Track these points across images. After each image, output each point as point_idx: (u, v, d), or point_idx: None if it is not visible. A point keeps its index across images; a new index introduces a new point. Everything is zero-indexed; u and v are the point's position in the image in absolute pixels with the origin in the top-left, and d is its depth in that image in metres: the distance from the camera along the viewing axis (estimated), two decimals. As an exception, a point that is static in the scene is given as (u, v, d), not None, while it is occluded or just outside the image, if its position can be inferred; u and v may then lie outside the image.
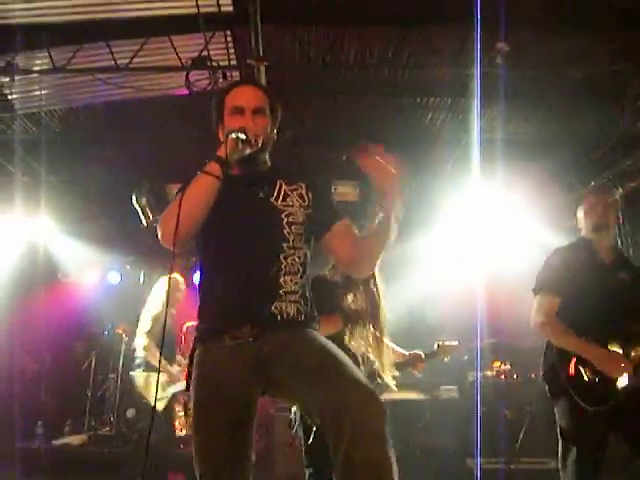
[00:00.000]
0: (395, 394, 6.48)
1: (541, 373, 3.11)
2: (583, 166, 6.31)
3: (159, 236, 1.88)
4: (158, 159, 6.01)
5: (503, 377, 6.66)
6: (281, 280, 1.93)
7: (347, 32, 4.82)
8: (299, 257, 1.98)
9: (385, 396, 6.23)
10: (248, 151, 1.90)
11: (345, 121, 5.79)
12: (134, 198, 6.21)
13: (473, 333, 6.48)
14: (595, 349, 2.78)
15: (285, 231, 1.96)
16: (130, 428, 6.02)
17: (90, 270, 7.60)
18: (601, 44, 5.01)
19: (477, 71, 5.00)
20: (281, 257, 1.94)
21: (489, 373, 6.73)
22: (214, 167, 1.86)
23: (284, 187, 2.02)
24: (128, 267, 7.71)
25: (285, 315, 1.90)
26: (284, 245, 1.95)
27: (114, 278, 7.64)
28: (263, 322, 1.88)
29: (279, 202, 1.99)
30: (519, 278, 6.99)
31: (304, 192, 2.05)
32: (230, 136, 1.86)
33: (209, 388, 1.88)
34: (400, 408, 6.05)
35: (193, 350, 2.00)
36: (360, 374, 1.79)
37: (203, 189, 1.86)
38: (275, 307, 1.90)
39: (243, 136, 1.87)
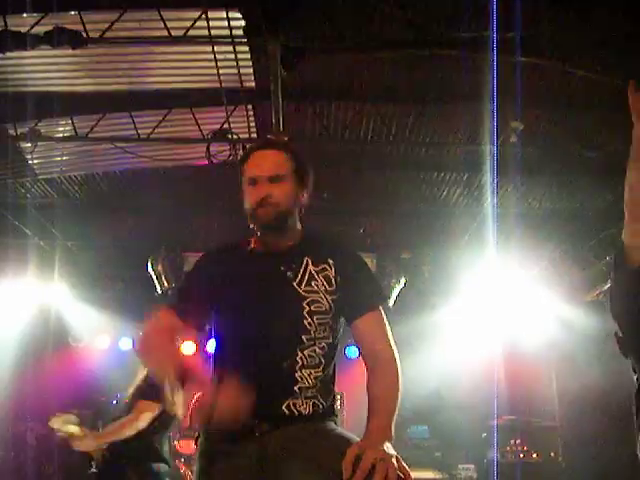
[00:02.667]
0: (412, 472, 6.09)
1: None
2: (598, 242, 6.01)
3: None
4: (174, 227, 5.73)
5: (522, 456, 6.16)
6: (297, 375, 1.62)
7: (366, 108, 4.65)
8: (321, 348, 1.66)
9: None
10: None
11: (363, 194, 5.55)
12: (150, 264, 5.88)
13: (492, 410, 6.08)
14: None
15: (306, 322, 1.64)
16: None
17: (101, 336, 7.19)
18: (613, 123, 4.87)
19: (494, 148, 4.84)
20: (298, 350, 1.63)
21: (507, 451, 6.20)
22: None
23: (310, 267, 1.69)
24: (141, 334, 7.26)
25: (297, 414, 1.61)
26: (303, 337, 1.64)
27: (126, 344, 7.18)
28: (273, 420, 1.60)
29: (302, 287, 1.66)
30: (537, 354, 6.69)
31: (331, 274, 1.70)
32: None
33: None
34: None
35: (197, 437, 1.71)
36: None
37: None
38: (287, 406, 1.60)
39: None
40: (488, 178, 5.40)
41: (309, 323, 1.64)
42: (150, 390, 3.00)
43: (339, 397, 5.65)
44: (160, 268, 5.83)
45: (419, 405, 6.58)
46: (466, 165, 5.29)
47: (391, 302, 6.35)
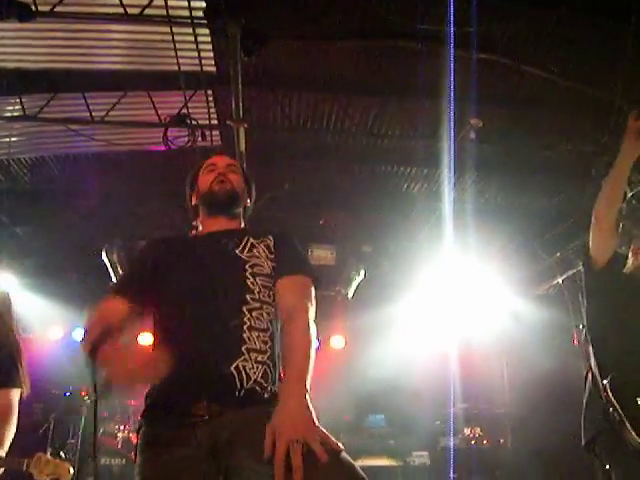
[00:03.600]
0: (366, 460, 6.07)
1: (585, 440, 2.24)
2: (549, 238, 6.11)
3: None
4: (130, 214, 5.45)
5: (473, 443, 6.25)
6: (244, 335, 1.55)
7: (328, 98, 4.52)
8: (267, 313, 1.62)
9: (358, 462, 5.77)
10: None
11: (323, 185, 5.42)
12: (104, 253, 5.57)
13: (446, 399, 6.14)
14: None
15: (249, 282, 1.63)
16: (89, 498, 5.20)
17: (53, 326, 6.80)
18: (566, 123, 4.93)
19: (451, 143, 4.82)
20: (244, 309, 1.58)
21: (460, 439, 6.28)
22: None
23: (251, 240, 1.73)
24: (85, 328, 6.91)
25: (247, 380, 1.50)
26: (248, 296, 1.60)
27: (79, 335, 6.83)
28: (221, 393, 1.49)
29: (244, 253, 1.69)
30: (490, 344, 6.79)
31: (272, 244, 1.74)
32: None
33: (157, 473, 1.47)
34: (372, 475, 5.53)
35: (139, 429, 1.58)
36: (344, 455, 1.39)
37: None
38: (236, 367, 1.50)
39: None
40: (447, 173, 5.39)
41: (252, 283, 1.63)
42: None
43: None
44: (115, 257, 5.53)
45: (376, 395, 6.61)
46: (426, 160, 5.25)
47: (350, 294, 6.30)
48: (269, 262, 1.68)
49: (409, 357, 6.48)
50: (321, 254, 5.45)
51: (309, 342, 1.51)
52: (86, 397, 5.83)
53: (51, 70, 4.23)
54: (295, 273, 1.67)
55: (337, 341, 7.09)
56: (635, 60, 4.00)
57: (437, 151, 5.16)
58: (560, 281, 6.16)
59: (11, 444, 2.35)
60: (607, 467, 2.15)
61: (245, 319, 1.57)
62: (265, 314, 1.62)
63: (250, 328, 1.57)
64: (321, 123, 4.70)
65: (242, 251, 1.68)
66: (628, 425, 2.02)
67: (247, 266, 1.65)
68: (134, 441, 5.84)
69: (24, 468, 2.37)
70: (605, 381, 2.11)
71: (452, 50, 3.95)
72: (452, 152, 4.85)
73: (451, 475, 5.75)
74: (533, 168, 5.45)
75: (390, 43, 4.14)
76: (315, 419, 1.36)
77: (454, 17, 3.70)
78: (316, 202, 5.39)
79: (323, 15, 3.90)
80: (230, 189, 1.78)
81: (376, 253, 5.93)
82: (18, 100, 4.36)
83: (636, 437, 1.98)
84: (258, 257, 1.68)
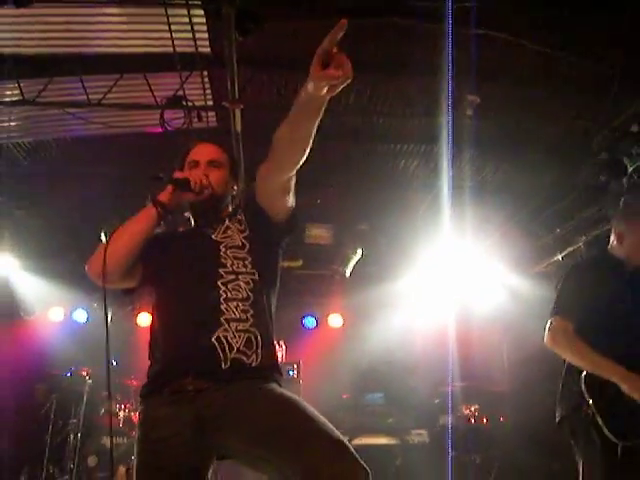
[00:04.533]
0: (365, 439, 6.33)
1: (558, 417, 2.48)
2: (548, 215, 6.28)
3: (86, 270, 1.84)
4: (128, 196, 5.67)
5: (472, 421, 6.47)
6: (222, 307, 1.71)
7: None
8: (246, 282, 1.78)
9: (355, 441, 6.02)
10: (191, 198, 1.89)
11: (319, 165, 5.60)
12: (102, 235, 5.80)
13: (444, 376, 6.37)
14: (624, 371, 2.23)
15: (222, 258, 1.82)
16: (91, 476, 5.52)
17: (55, 308, 7.08)
18: (567, 101, 5.05)
19: (449, 120, 4.96)
20: (219, 283, 1.76)
21: (459, 417, 6.51)
22: (149, 209, 1.85)
23: (227, 223, 1.94)
24: (95, 305, 7.21)
25: (229, 349, 1.65)
26: (221, 271, 1.78)
27: (80, 316, 7.12)
28: (207, 367, 1.64)
29: (219, 236, 1.90)
30: (488, 322, 7.02)
31: (242, 218, 1.95)
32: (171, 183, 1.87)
33: (149, 451, 1.65)
34: (370, 453, 5.75)
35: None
36: (330, 429, 1.52)
37: (134, 228, 1.84)
38: (217, 338, 1.66)
39: (183, 183, 1.87)
40: (444, 150, 5.57)
41: (224, 257, 1.81)
42: None
43: (295, 366, 5.80)
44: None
45: (374, 373, 6.85)
46: (423, 137, 5.42)
47: (348, 272, 6.53)
48: (240, 235, 1.87)
49: (407, 335, 6.71)
50: (318, 233, 5.67)
51: None
52: (87, 377, 6.07)
53: (48, 55, 4.41)
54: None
55: (335, 320, 7.34)
56: (634, 33, 4.13)
57: (434, 128, 5.33)
58: (560, 258, 6.36)
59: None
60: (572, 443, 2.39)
61: (221, 291, 1.73)
62: (242, 284, 1.77)
63: (227, 300, 1.72)
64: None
65: (217, 235, 1.88)
66: (599, 419, 2.19)
67: (221, 246, 1.84)
68: (135, 420, 6.12)
69: None
70: (583, 374, 2.29)
71: (450, 26, 4.09)
72: (450, 129, 5.01)
73: (450, 453, 5.90)
74: (531, 145, 5.58)
75: (386, 21, 4.28)
76: None
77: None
78: (312, 182, 5.58)
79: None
80: (208, 197, 1.89)
81: (373, 231, 6.13)
82: (16, 85, 4.55)
83: (607, 432, 2.16)
84: (230, 235, 1.87)
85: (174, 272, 1.85)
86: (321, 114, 1.62)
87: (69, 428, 6.13)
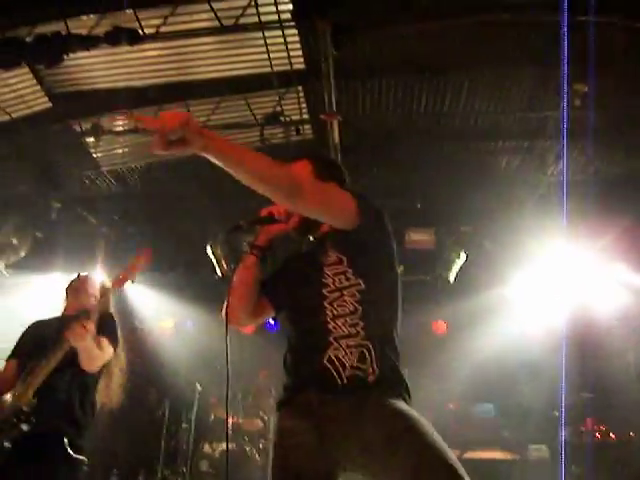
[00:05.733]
0: (479, 452, 6.27)
1: None
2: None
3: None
4: (233, 211, 6.18)
5: (598, 436, 6.22)
6: (329, 326, 1.82)
7: (417, 82, 4.87)
8: (351, 295, 1.85)
9: (466, 455, 6.01)
10: (282, 228, 2.00)
11: (417, 168, 5.77)
12: (209, 249, 6.40)
13: (565, 386, 6.12)
14: None
15: (323, 279, 1.91)
16: (202, 481, 6.01)
17: (165, 318, 7.82)
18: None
19: (562, 111, 4.89)
20: (325, 303, 1.86)
21: (581, 431, 6.28)
22: (248, 257, 2.01)
23: (328, 240, 2.00)
24: (203, 316, 7.86)
25: (342, 368, 1.75)
26: (324, 291, 1.88)
27: (189, 327, 7.82)
28: (324, 384, 1.76)
29: (323, 258, 1.97)
30: (611, 327, 6.68)
31: (333, 232, 1.99)
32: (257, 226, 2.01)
33: (280, 456, 1.80)
34: (483, 469, 5.74)
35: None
36: (449, 457, 1.60)
37: (242, 278, 2.00)
38: (329, 358, 1.77)
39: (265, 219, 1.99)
40: (549, 144, 5.49)
41: (325, 276, 1.90)
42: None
43: None
44: (219, 251, 6.35)
45: (483, 382, 6.79)
46: (525, 132, 5.40)
47: (451, 277, 6.57)
48: (334, 250, 1.93)
49: (519, 342, 6.57)
50: (419, 238, 5.80)
51: (267, 168, 1.57)
52: (197, 384, 6.61)
53: (155, 85, 5.01)
54: None
55: (439, 327, 7.44)
56: None
57: (536, 122, 5.31)
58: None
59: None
60: None
61: (327, 312, 1.83)
62: (348, 297, 1.84)
63: (334, 318, 1.82)
64: (412, 107, 5.06)
65: (322, 257, 1.96)
66: None
67: (324, 267, 1.92)
68: (245, 427, 6.49)
69: (110, 291, 2.81)
70: None
71: (566, 15, 4.08)
72: (563, 121, 4.94)
73: (572, 471, 5.74)
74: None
75: (481, 18, 4.37)
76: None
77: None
78: (411, 185, 5.75)
79: (410, 1, 4.24)
80: (299, 220, 1.96)
81: (477, 233, 6.14)
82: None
83: None
84: (328, 253, 1.94)
85: (291, 301, 2.02)
86: (227, 159, 1.49)
87: (181, 433, 6.74)
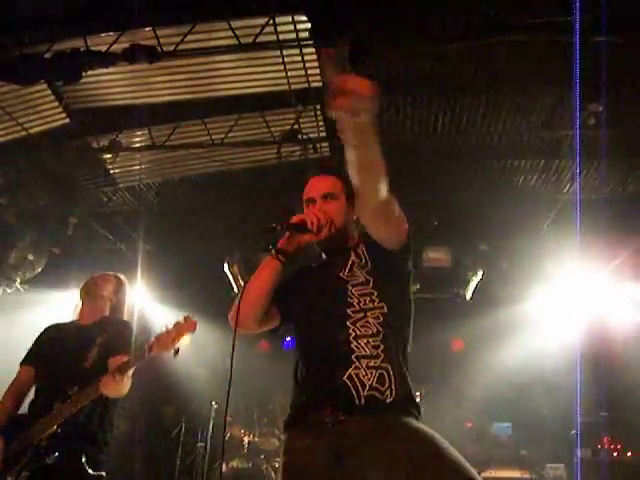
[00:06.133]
0: (495, 472, 6.25)
1: None
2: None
3: (229, 320, 1.98)
4: (249, 228, 6.24)
5: (615, 455, 6.19)
6: (352, 345, 1.83)
7: (434, 100, 4.93)
8: (374, 317, 1.88)
9: (485, 474, 5.99)
10: (311, 239, 1.99)
11: (434, 186, 5.83)
12: (226, 266, 6.45)
13: (581, 404, 6.10)
14: None
15: (349, 298, 1.93)
16: (218, 499, 6.01)
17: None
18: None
19: (575, 130, 4.95)
20: (348, 323, 1.88)
21: (599, 450, 6.24)
22: (271, 259, 1.98)
23: (352, 258, 2.03)
24: (220, 334, 7.85)
25: (362, 387, 1.77)
26: (348, 311, 1.90)
27: (205, 345, 7.81)
28: (342, 402, 1.77)
29: (346, 273, 1.99)
30: (627, 345, 6.66)
31: (362, 252, 2.03)
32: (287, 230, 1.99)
33: (292, 478, 1.81)
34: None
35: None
36: (467, 471, 1.64)
37: (260, 280, 1.99)
38: (349, 376, 1.78)
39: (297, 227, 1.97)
40: (565, 163, 5.53)
41: (350, 296, 1.92)
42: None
43: (417, 393, 5.85)
44: (235, 269, 6.40)
45: (500, 401, 6.80)
46: (541, 151, 5.45)
47: (468, 295, 6.59)
48: (362, 270, 1.97)
49: (536, 360, 6.57)
50: (436, 256, 5.84)
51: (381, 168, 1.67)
52: (213, 403, 6.62)
53: (174, 102, 5.10)
54: None
55: (456, 345, 7.44)
56: None
57: (553, 141, 5.36)
58: None
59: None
60: None
61: (350, 331, 1.85)
62: (371, 319, 1.87)
63: (356, 337, 1.83)
64: (428, 125, 5.12)
65: (344, 272, 1.98)
66: None
67: (348, 285, 1.94)
68: (261, 446, 6.50)
69: (147, 354, 2.61)
70: None
71: (578, 37, 4.15)
72: (577, 140, 4.99)
73: None
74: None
75: (499, 39, 4.44)
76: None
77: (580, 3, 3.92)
78: (428, 203, 5.78)
79: (427, 20, 4.32)
80: (331, 234, 1.97)
81: (494, 251, 6.17)
82: (147, 131, 5.30)
83: None
84: (355, 272, 1.97)
85: (308, 314, 2.01)
86: (369, 138, 1.58)
87: (197, 451, 6.73)
